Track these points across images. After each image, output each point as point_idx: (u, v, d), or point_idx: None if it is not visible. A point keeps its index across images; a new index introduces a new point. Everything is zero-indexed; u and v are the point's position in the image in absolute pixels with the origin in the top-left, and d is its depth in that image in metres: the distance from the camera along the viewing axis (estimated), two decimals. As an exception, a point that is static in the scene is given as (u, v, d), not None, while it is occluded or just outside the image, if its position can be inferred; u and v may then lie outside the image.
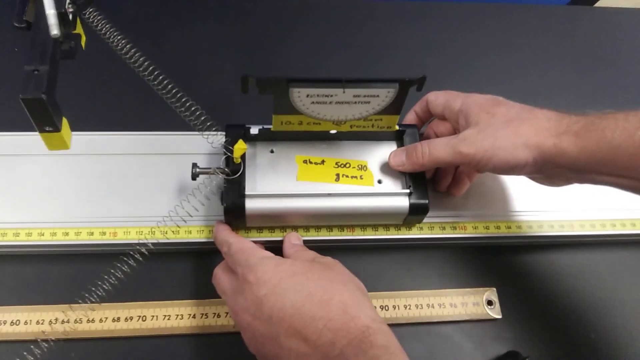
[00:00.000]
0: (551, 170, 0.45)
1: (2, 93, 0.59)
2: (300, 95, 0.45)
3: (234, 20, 0.73)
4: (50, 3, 0.40)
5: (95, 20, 0.45)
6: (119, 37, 0.46)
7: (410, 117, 0.55)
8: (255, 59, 0.70)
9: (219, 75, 0.67)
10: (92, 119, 0.59)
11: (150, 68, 0.48)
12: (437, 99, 0.52)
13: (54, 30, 0.39)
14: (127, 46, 0.46)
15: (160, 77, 0.48)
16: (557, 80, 0.71)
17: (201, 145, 0.54)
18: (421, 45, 0.74)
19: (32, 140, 0.53)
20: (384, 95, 0.46)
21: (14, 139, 0.56)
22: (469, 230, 0.54)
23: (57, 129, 0.42)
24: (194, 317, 0.51)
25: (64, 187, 0.54)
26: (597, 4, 0.87)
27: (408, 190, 0.51)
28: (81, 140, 0.54)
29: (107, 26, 0.46)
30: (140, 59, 0.47)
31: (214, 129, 0.50)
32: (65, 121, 0.43)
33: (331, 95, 0.45)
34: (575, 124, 0.43)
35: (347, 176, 0.52)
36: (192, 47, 0.70)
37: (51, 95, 0.39)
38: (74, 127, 0.44)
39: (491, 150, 0.45)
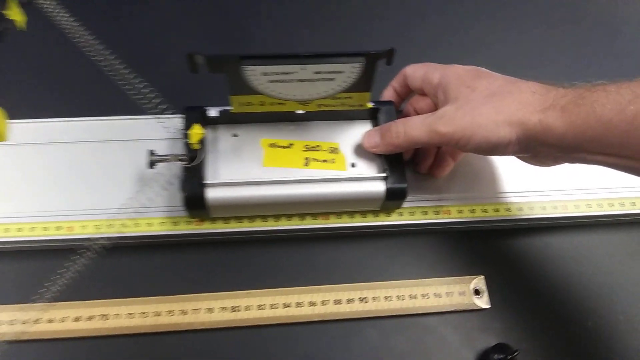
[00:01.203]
0: (537, 149, 0.41)
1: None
2: (256, 74, 0.41)
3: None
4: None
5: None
6: (62, 13, 0.42)
7: (387, 93, 0.51)
8: (223, 34, 0.66)
9: (181, 54, 0.62)
10: (38, 106, 0.55)
11: (99, 46, 0.44)
12: (416, 72, 0.48)
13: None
14: (73, 23, 0.43)
15: (109, 56, 0.44)
16: (551, 46, 0.66)
17: (161, 130, 0.50)
18: (403, 15, 0.69)
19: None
20: (349, 70, 0.41)
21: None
22: (453, 214, 0.50)
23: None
24: (159, 314, 0.48)
25: (14, 181, 0.51)
26: None
27: (384, 174, 0.47)
28: (27, 129, 0.51)
29: (49, 1, 0.42)
30: (87, 36, 0.43)
31: (169, 112, 0.46)
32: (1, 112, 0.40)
33: (290, 73, 0.41)
34: (562, 98, 0.38)
35: (317, 160, 0.48)
36: (149, 23, 0.65)
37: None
38: (17, 115, 0.41)
39: (470, 128, 0.41)
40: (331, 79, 0.42)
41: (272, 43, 0.64)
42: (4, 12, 0.41)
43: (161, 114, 0.45)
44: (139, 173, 0.51)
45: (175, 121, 0.49)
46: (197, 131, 0.45)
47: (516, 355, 0.45)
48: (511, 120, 0.40)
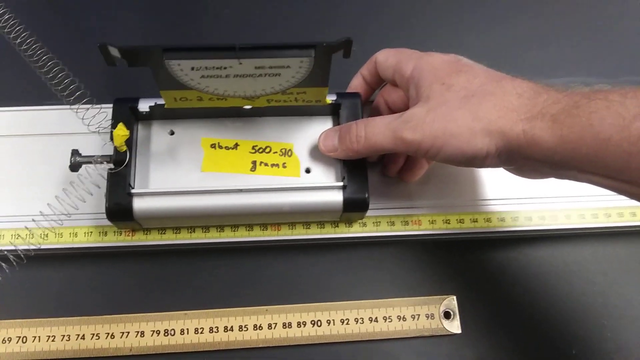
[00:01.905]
0: (520, 162, 0.34)
1: None
2: (183, 69, 0.34)
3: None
4: None
5: None
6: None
7: (356, 83, 0.44)
8: (174, 16, 0.57)
9: (120, 34, 0.54)
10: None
11: (10, 21, 0.37)
12: (388, 59, 0.41)
13: None
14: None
15: (21, 33, 0.37)
16: (544, 37, 0.57)
17: (84, 125, 0.43)
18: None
19: None
20: (297, 65, 0.34)
21: None
22: (424, 225, 0.44)
23: None
24: (83, 337, 0.42)
25: None
26: None
27: (341, 183, 0.40)
28: None
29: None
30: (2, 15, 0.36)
31: (92, 104, 0.39)
32: None
33: (225, 68, 0.34)
34: (553, 105, 0.32)
35: (266, 164, 0.41)
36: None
37: None
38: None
39: (442, 137, 0.34)
40: (276, 74, 0.35)
41: (225, 33, 0.55)
42: None
43: (82, 104, 0.38)
44: (63, 174, 0.44)
45: (102, 116, 0.41)
46: (120, 132, 0.38)
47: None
48: (490, 129, 0.33)
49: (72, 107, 0.39)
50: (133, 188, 0.39)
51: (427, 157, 0.36)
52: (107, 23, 0.55)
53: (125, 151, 0.39)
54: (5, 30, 0.39)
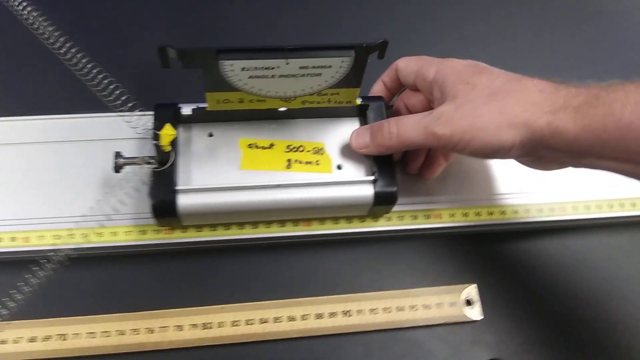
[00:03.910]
0: (542, 153, 0.38)
1: None
2: (234, 69, 0.37)
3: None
4: None
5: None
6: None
7: (377, 88, 0.48)
8: (194, 23, 0.60)
9: (151, 45, 0.57)
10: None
11: (59, 38, 0.39)
12: (408, 66, 0.44)
13: None
14: (32, 13, 0.38)
15: (71, 49, 0.39)
16: (550, 41, 0.63)
17: (128, 129, 0.46)
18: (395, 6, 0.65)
19: None
20: (338, 65, 0.38)
21: None
22: (444, 218, 0.48)
23: None
24: (122, 333, 0.44)
25: None
26: None
27: (372, 177, 0.43)
28: None
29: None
30: (46, 27, 0.39)
31: (138, 109, 0.42)
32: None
33: (273, 68, 0.37)
34: (574, 98, 0.36)
35: (300, 162, 0.44)
36: (116, 12, 0.60)
37: None
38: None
39: (470, 131, 0.38)
40: (317, 75, 0.39)
41: (252, 35, 0.59)
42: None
43: (128, 111, 0.40)
44: (104, 177, 0.47)
45: (145, 120, 0.44)
46: (168, 132, 0.41)
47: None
48: (516, 121, 0.37)
49: (119, 113, 0.42)
50: (177, 185, 0.42)
51: (455, 150, 0.39)
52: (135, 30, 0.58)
53: (169, 151, 0.42)
54: (48, 39, 0.42)
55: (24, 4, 0.37)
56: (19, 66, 0.54)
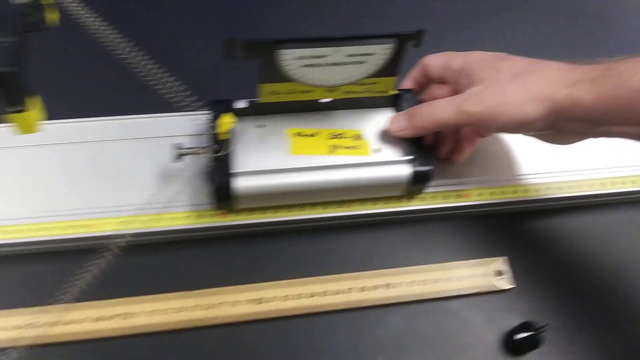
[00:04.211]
0: (563, 124, 0.43)
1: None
2: (291, 58, 0.42)
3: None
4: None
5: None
6: (85, 10, 0.42)
7: (407, 83, 0.53)
8: (235, 26, 0.66)
9: (199, 50, 0.62)
10: (59, 106, 0.53)
11: (125, 46, 0.44)
12: (436, 60, 0.50)
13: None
14: (98, 21, 0.42)
15: (137, 55, 0.44)
16: (555, 40, 0.70)
17: (181, 128, 0.52)
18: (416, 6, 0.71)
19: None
20: (380, 52, 0.43)
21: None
22: (473, 197, 0.52)
23: (26, 107, 0.38)
24: (182, 310, 0.47)
25: (32, 181, 0.50)
26: None
27: (410, 157, 0.48)
28: (48, 129, 0.50)
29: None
30: (113, 36, 0.43)
31: (198, 106, 0.46)
32: (36, 101, 0.39)
33: (324, 56, 0.42)
34: (590, 72, 0.41)
35: (342, 147, 0.49)
36: (166, 23, 0.66)
37: (23, 69, 0.35)
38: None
39: (498, 107, 0.43)
40: (362, 62, 0.44)
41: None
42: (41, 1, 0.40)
43: (191, 109, 0.45)
44: (162, 169, 0.51)
45: (201, 117, 0.49)
46: (227, 120, 0.45)
47: (544, 328, 0.46)
48: (538, 96, 0.42)
49: (181, 112, 0.46)
50: (234, 169, 0.46)
51: (485, 126, 0.44)
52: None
53: (226, 140, 0.46)
54: (108, 44, 0.46)
55: (98, 19, 0.42)
56: (83, 72, 0.59)
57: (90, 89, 0.58)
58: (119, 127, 0.53)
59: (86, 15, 0.42)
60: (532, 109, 0.42)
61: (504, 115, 0.43)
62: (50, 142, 0.52)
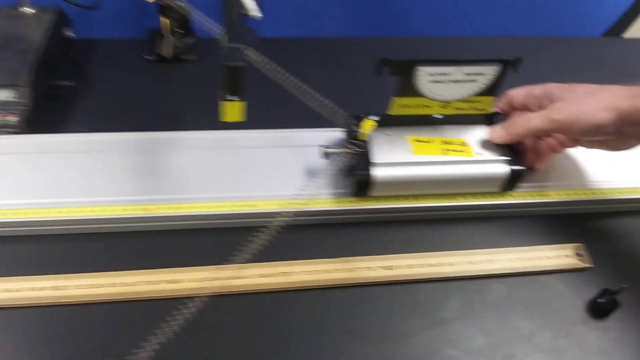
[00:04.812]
0: (627, 128, 0.58)
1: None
2: (424, 74, 0.58)
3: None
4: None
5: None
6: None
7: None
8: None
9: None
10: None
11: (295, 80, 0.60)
12: (518, 91, 0.66)
13: (258, 13, 0.51)
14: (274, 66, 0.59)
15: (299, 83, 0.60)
16: None
17: (318, 139, 0.66)
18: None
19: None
20: (489, 73, 0.59)
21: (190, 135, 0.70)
22: (552, 196, 0.67)
23: (242, 98, 0.53)
24: (330, 272, 0.60)
25: (219, 172, 0.66)
26: (625, 35, 1.05)
27: (508, 157, 0.62)
28: (222, 137, 0.69)
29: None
30: (281, 71, 0.59)
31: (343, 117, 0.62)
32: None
33: (448, 74, 0.58)
34: None
35: (452, 150, 0.63)
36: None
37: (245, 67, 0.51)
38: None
39: (578, 115, 0.57)
40: (474, 81, 0.59)
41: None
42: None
43: (337, 123, 0.61)
44: (309, 168, 0.67)
45: (335, 132, 0.66)
46: (369, 123, 0.60)
47: (623, 289, 0.57)
48: (608, 106, 0.57)
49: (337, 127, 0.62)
50: (374, 161, 0.60)
51: (567, 131, 0.59)
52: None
53: (365, 140, 0.61)
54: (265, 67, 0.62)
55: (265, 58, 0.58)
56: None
57: (259, 108, 0.69)
58: (275, 137, 0.70)
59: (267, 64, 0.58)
60: (603, 116, 0.57)
61: (582, 121, 0.58)
62: (226, 147, 0.68)
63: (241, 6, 0.55)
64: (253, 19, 0.54)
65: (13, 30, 0.74)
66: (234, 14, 0.54)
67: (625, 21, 1.05)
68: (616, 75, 0.90)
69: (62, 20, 0.79)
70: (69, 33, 0.81)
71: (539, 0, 1.00)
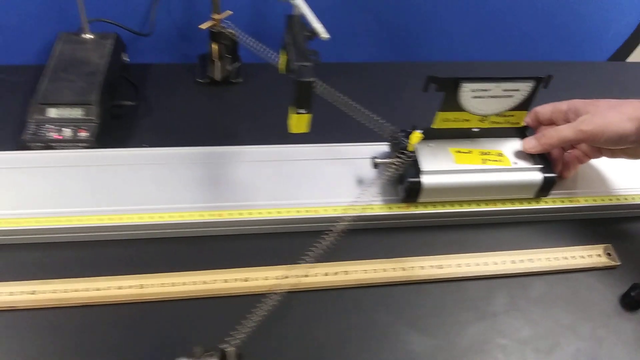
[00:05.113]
0: None
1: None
2: (467, 90, 0.64)
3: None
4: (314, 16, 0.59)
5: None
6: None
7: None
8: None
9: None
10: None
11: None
12: (544, 108, 0.72)
13: (326, 34, 0.58)
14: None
15: (349, 101, 0.66)
16: None
17: (366, 152, 0.73)
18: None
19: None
20: (523, 89, 0.66)
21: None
22: (581, 202, 0.73)
23: (310, 111, 0.59)
24: (386, 270, 0.65)
25: (278, 182, 0.72)
26: (629, 59, 1.13)
27: (541, 166, 0.69)
28: (278, 150, 0.76)
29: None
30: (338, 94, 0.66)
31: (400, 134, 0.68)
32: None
33: (488, 90, 0.65)
34: None
35: (490, 160, 0.70)
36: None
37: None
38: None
39: (604, 125, 0.64)
40: (510, 96, 0.66)
41: None
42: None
43: (386, 138, 0.68)
44: (360, 178, 0.73)
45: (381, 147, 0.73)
46: (417, 135, 0.66)
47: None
48: (631, 117, 0.64)
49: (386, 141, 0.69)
50: (422, 169, 0.66)
51: (594, 141, 0.65)
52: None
53: (413, 151, 0.67)
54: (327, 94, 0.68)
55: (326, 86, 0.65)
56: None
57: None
58: (325, 151, 0.76)
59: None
60: (627, 125, 0.64)
61: (608, 131, 0.64)
62: (283, 159, 0.75)
63: (306, 29, 0.61)
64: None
65: (77, 54, 0.80)
66: (299, 36, 0.61)
67: (628, 47, 1.14)
68: (621, 96, 0.97)
69: (119, 45, 0.86)
70: (125, 58, 0.88)
71: (550, 29, 1.09)
